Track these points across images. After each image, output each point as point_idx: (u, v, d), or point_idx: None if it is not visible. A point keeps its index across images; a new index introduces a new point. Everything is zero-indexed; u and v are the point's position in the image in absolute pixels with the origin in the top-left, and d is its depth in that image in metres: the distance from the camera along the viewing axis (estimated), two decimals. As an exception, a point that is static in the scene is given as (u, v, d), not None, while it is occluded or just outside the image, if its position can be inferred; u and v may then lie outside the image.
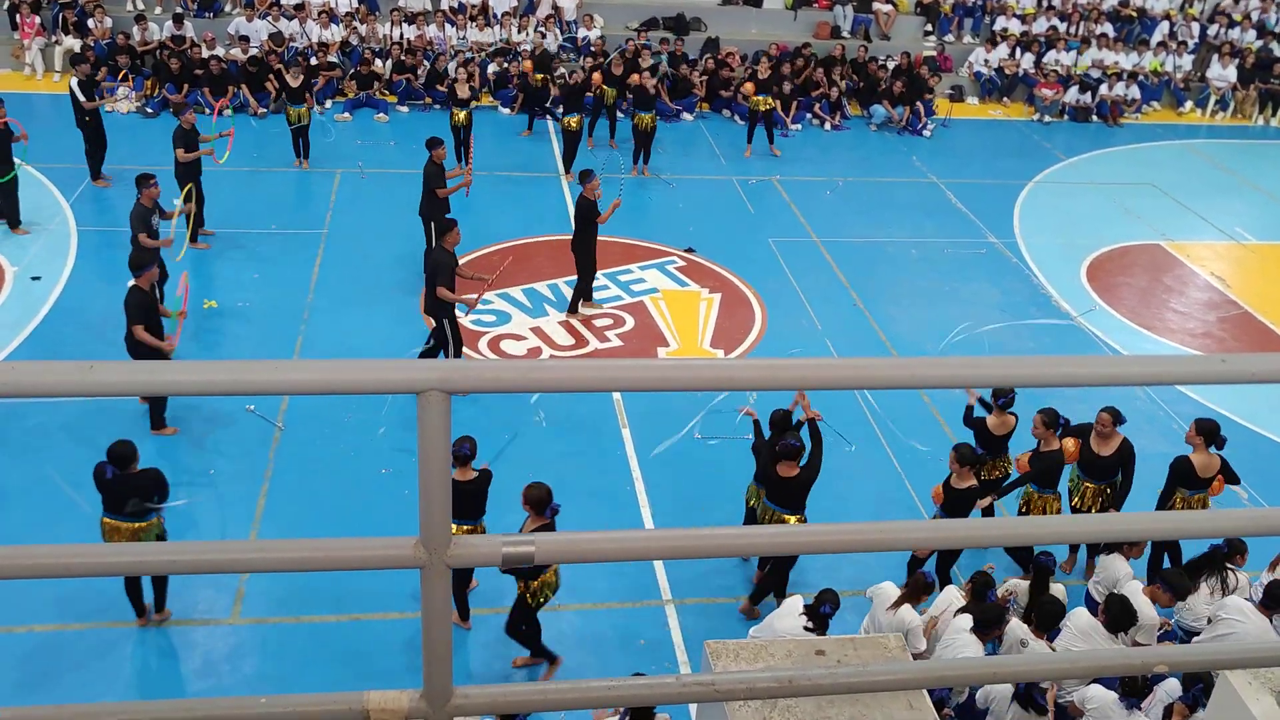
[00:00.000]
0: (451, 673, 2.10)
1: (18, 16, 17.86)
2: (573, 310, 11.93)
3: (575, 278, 11.91)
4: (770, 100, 16.94)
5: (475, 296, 10.26)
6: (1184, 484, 8.01)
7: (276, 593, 7.83)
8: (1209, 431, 7.97)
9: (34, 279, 11.72)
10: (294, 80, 14.89)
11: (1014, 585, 7.46)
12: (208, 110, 16.40)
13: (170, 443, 9.33)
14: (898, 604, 6.88)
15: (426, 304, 10.43)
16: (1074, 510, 8.17)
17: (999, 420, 8.45)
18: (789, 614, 6.68)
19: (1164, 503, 8.24)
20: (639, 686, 2.26)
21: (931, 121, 19.17)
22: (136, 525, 7.03)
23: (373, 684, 2.18)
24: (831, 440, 8.14)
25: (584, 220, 11.38)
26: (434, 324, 10.25)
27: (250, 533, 8.45)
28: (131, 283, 9.08)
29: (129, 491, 6.98)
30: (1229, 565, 7.36)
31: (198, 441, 9.41)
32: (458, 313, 10.24)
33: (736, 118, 18.50)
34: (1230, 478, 8.16)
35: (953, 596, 7.14)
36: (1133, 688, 6.13)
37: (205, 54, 17.36)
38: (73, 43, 17.69)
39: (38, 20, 17.85)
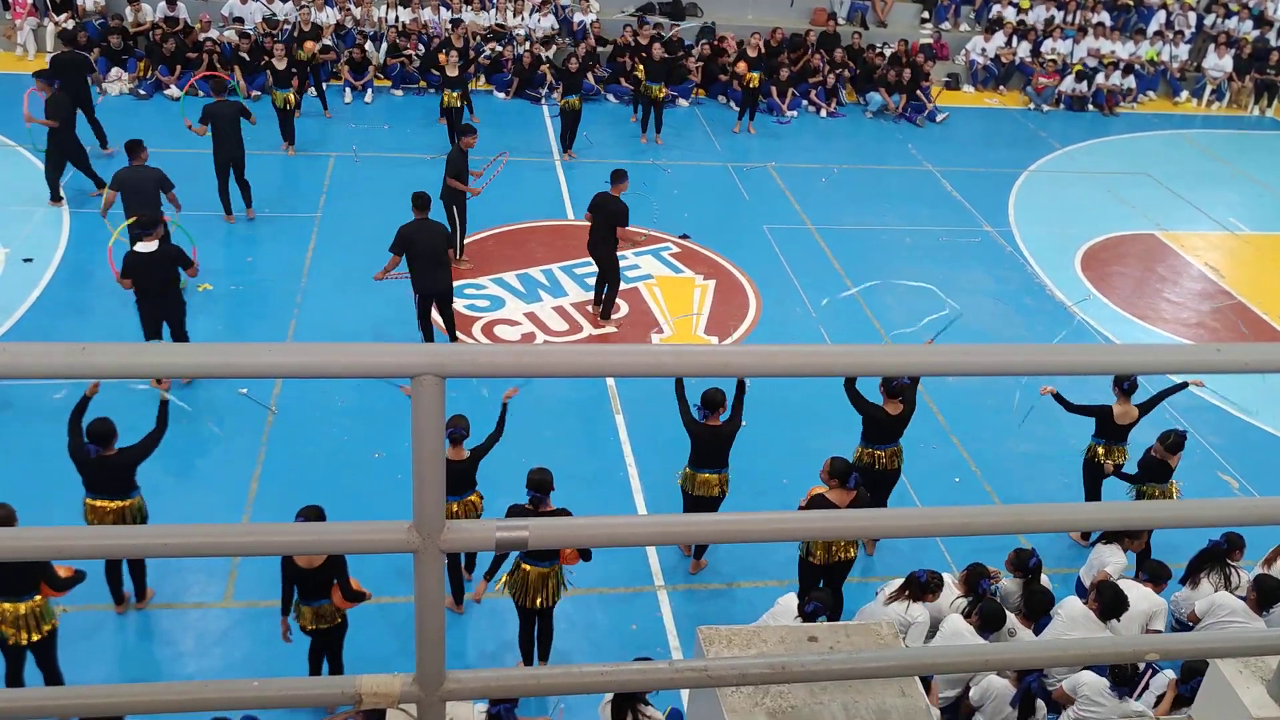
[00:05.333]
0: (444, 657, 2.10)
1: (9, -4, 17.76)
2: (605, 315, 11.45)
3: (570, 263, 11.83)
4: (761, 76, 17.23)
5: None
6: (1154, 479, 8.23)
7: (269, 576, 7.81)
8: (1173, 446, 8.19)
9: (26, 260, 11.67)
10: (280, 63, 14.78)
11: (1004, 584, 7.49)
12: (201, 92, 16.35)
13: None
14: (895, 596, 6.89)
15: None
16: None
17: (1123, 409, 8.48)
18: (784, 614, 6.67)
19: (1136, 498, 8.39)
20: (632, 671, 2.26)
21: (928, 106, 19.09)
22: (119, 504, 7.03)
23: (364, 668, 2.18)
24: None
25: (609, 224, 10.85)
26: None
27: (243, 516, 8.44)
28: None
29: (109, 471, 6.98)
30: (1230, 562, 7.40)
31: (190, 425, 9.38)
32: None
33: (732, 103, 18.46)
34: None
35: (945, 580, 7.17)
36: (1122, 676, 6.16)
37: (200, 36, 17.26)
38: (65, 23, 17.57)
39: (30, 0, 17.72)
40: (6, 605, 6.28)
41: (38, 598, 6.36)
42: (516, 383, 7.86)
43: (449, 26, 17.85)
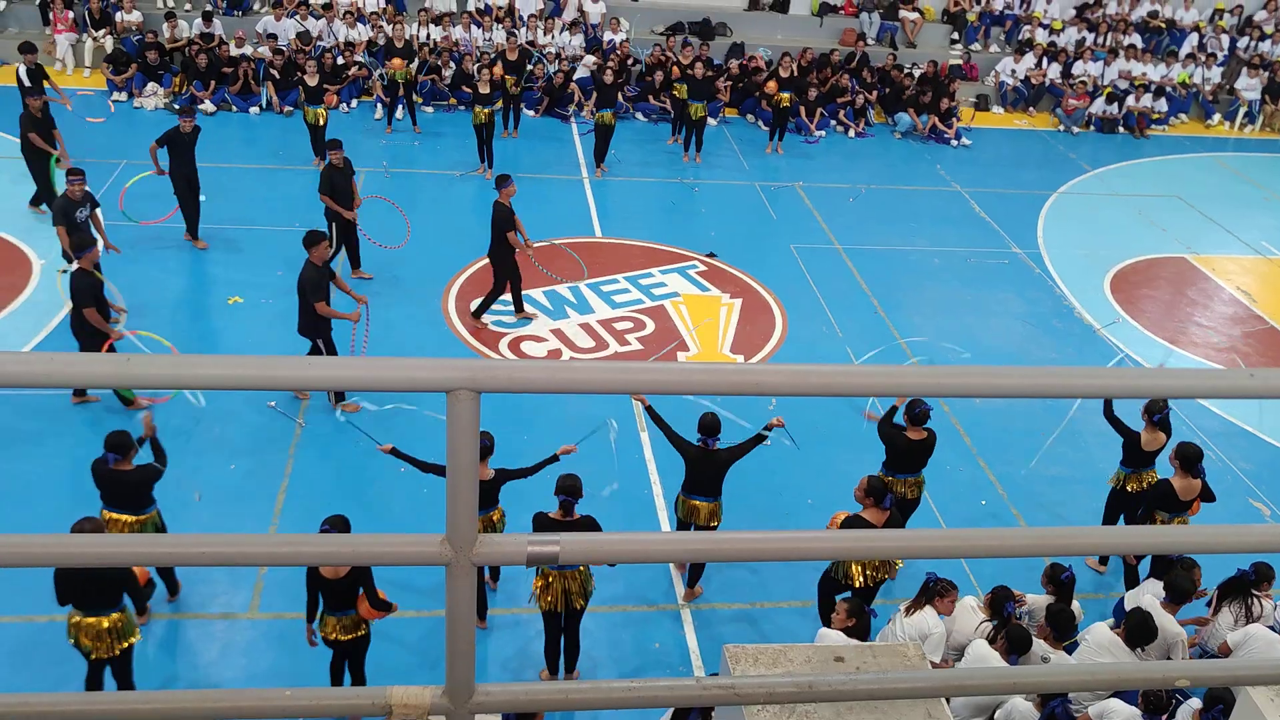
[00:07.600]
0: (474, 670, 2.12)
1: (50, 12, 18.04)
2: (477, 315, 11.52)
3: (597, 280, 11.87)
4: (792, 97, 17.25)
5: (357, 310, 9.72)
6: (1163, 507, 8.05)
7: (294, 587, 7.85)
8: (1185, 457, 7.99)
9: (61, 271, 11.82)
10: (311, 80, 14.94)
11: (1032, 600, 7.44)
12: (235, 107, 16.56)
13: (191, 438, 9.40)
14: (914, 606, 6.86)
15: (301, 323, 9.72)
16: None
17: (1150, 436, 8.39)
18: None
19: (1143, 523, 8.25)
20: (659, 688, 2.27)
21: (957, 127, 19.03)
22: (135, 518, 7.12)
23: (389, 680, 2.20)
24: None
25: (499, 228, 10.99)
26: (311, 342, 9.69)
27: (270, 527, 8.49)
28: (75, 266, 9.23)
29: (125, 485, 7.07)
30: (1255, 592, 7.33)
31: (218, 437, 9.47)
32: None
33: (760, 122, 18.51)
34: (1206, 496, 8.13)
35: (970, 604, 7.12)
36: (1156, 704, 6.08)
37: (234, 52, 17.49)
38: (104, 39, 17.86)
39: (70, 15, 18.02)
40: (90, 620, 6.33)
41: (119, 613, 6.39)
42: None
43: (486, 42, 17.97)
